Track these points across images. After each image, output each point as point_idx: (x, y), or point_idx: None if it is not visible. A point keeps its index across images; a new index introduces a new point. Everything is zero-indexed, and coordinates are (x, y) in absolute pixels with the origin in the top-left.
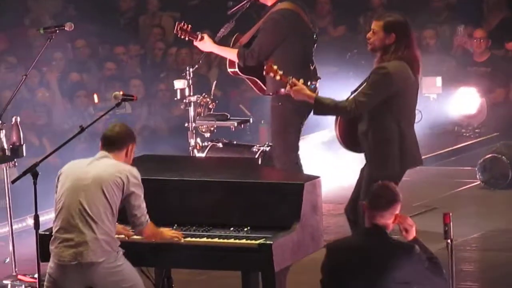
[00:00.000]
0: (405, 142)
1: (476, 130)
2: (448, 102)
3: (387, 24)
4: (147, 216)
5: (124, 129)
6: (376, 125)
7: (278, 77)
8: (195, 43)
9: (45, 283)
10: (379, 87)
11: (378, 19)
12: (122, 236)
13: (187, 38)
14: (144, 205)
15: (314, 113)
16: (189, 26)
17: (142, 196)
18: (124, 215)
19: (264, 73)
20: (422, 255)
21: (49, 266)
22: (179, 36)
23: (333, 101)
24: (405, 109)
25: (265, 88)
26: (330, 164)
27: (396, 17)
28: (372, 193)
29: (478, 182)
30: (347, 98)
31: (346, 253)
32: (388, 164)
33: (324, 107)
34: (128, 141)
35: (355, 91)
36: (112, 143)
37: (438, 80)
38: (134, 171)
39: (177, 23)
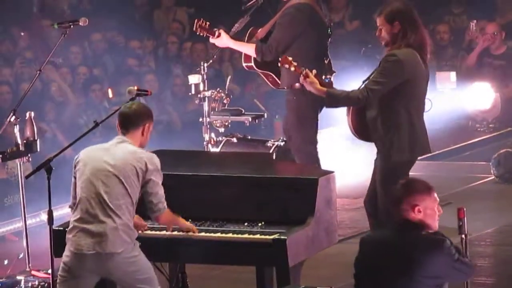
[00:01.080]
0: (414, 129)
1: (490, 125)
2: (463, 96)
3: (387, 15)
4: (165, 203)
5: (142, 106)
6: (386, 111)
7: (292, 68)
8: (212, 39)
9: (59, 272)
10: (390, 74)
11: (379, 14)
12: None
13: (205, 35)
14: (162, 192)
15: (327, 106)
16: (207, 23)
17: (161, 183)
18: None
19: (279, 64)
20: (452, 248)
21: (65, 255)
22: (198, 33)
23: (344, 91)
24: (414, 97)
25: (279, 82)
26: (345, 159)
27: (395, 5)
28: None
29: (492, 177)
30: (359, 88)
31: (379, 247)
32: (398, 151)
33: (336, 98)
34: (145, 119)
35: (366, 80)
36: (129, 121)
37: (453, 75)
38: (154, 158)
39: (196, 20)
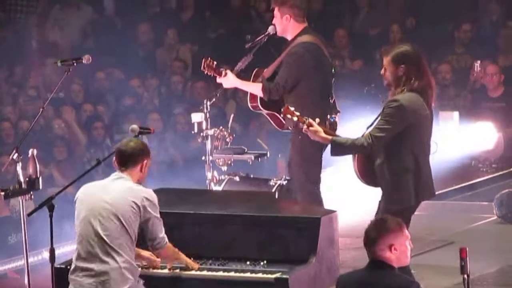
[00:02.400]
0: (420, 173)
1: (493, 165)
2: (465, 136)
3: (395, 57)
4: (166, 238)
5: (139, 144)
6: (392, 157)
7: (295, 118)
8: (219, 79)
9: None
10: (394, 120)
11: (386, 54)
12: (145, 263)
13: (212, 74)
14: (162, 227)
15: (332, 154)
16: (214, 62)
17: (159, 218)
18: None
19: (281, 115)
20: None
21: None
22: (205, 72)
23: (349, 139)
24: (420, 141)
25: (284, 123)
26: (347, 198)
27: (404, 48)
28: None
29: (495, 217)
30: (363, 134)
31: (354, 286)
32: (403, 196)
33: (341, 146)
34: (143, 156)
35: (370, 126)
36: (127, 158)
37: (455, 115)
38: (150, 193)
39: (203, 59)
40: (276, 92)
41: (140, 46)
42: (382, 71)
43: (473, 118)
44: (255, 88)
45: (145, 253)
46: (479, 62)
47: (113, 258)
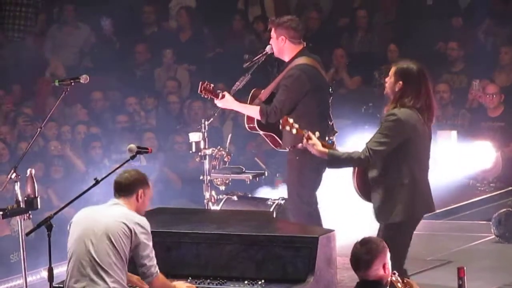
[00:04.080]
0: (418, 188)
1: (491, 184)
2: (463, 156)
3: (397, 71)
4: (157, 267)
5: (134, 174)
6: (389, 171)
7: (294, 130)
8: (216, 102)
9: None
10: (392, 134)
11: (395, 64)
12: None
13: (209, 97)
14: (153, 255)
15: (328, 167)
16: (212, 85)
17: (151, 246)
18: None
19: (280, 127)
20: None
21: None
22: (202, 95)
23: (345, 152)
24: (417, 156)
25: (281, 143)
26: (345, 217)
27: (408, 65)
28: (351, 255)
29: (493, 236)
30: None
31: None
32: (401, 209)
33: (337, 160)
34: (138, 186)
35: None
36: (122, 188)
37: (453, 134)
38: (143, 220)
39: (200, 82)
40: (274, 115)
41: (138, 66)
42: (386, 78)
43: (471, 137)
44: (252, 111)
45: (133, 277)
46: (477, 81)
47: (102, 278)
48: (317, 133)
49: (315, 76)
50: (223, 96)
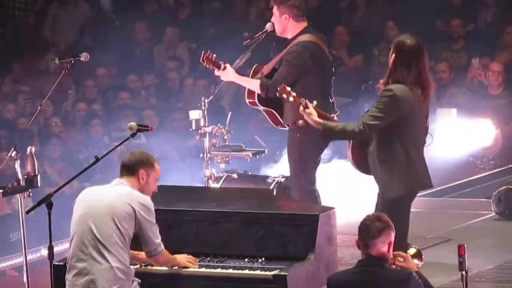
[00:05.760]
0: (412, 164)
1: (491, 162)
2: (463, 133)
3: (393, 44)
4: (162, 245)
5: (137, 155)
6: (382, 147)
7: (291, 99)
8: (217, 72)
9: None
10: (387, 109)
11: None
12: (138, 266)
13: (211, 67)
14: (157, 233)
15: (323, 138)
16: (214, 55)
17: (155, 225)
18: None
19: (277, 94)
20: (420, 281)
21: None
22: (204, 65)
23: (340, 124)
24: (412, 132)
25: (281, 121)
26: (346, 193)
27: (402, 38)
28: (361, 225)
29: (493, 214)
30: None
31: (345, 286)
32: (395, 185)
33: (331, 131)
34: (140, 166)
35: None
36: (126, 168)
37: (453, 112)
38: (147, 200)
39: (203, 52)
40: (274, 89)
41: (138, 44)
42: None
43: (471, 115)
44: (253, 84)
45: (142, 255)
46: (477, 59)
47: (105, 258)
48: (315, 102)
49: (318, 53)
50: (224, 68)
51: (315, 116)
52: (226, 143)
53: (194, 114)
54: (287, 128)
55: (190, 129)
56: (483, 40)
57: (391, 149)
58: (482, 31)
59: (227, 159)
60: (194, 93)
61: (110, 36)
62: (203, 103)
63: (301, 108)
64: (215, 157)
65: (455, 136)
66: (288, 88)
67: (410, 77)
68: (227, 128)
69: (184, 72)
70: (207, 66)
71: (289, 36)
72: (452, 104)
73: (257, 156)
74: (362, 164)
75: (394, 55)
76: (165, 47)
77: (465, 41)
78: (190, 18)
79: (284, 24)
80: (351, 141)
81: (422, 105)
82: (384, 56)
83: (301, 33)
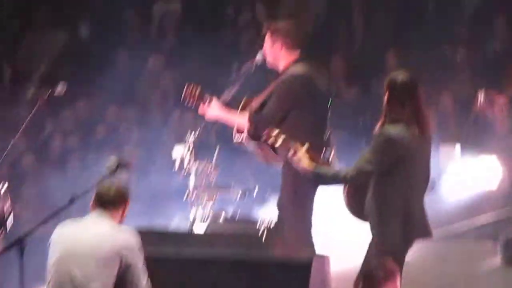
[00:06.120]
0: (411, 213)
1: (498, 202)
2: (467, 172)
3: (386, 82)
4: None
5: (119, 188)
6: (379, 192)
7: (279, 143)
8: (202, 108)
9: None
10: (381, 153)
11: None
12: None
13: (195, 103)
14: (143, 275)
15: (315, 184)
16: (198, 89)
17: (142, 265)
18: None
19: (264, 138)
20: None
21: None
22: (186, 101)
23: (331, 170)
24: (411, 176)
25: (275, 157)
26: (339, 241)
27: (396, 74)
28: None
29: (499, 258)
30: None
31: None
32: (391, 235)
33: (322, 178)
34: (122, 201)
35: None
36: (108, 202)
37: (457, 147)
38: (133, 238)
39: (186, 86)
40: (263, 125)
41: (118, 74)
42: None
43: (476, 151)
44: (241, 120)
45: None
46: (483, 90)
47: None
48: (306, 145)
49: (311, 86)
50: (210, 103)
51: (304, 162)
52: (213, 181)
53: (179, 150)
54: (281, 165)
55: (174, 166)
56: (491, 70)
57: (388, 195)
58: (489, 60)
59: (213, 198)
60: (179, 127)
61: (89, 65)
62: (189, 138)
63: (290, 153)
64: (201, 196)
65: (458, 174)
66: (276, 131)
67: (405, 114)
68: (214, 164)
69: (168, 104)
70: (191, 102)
71: (280, 67)
72: (456, 139)
73: (247, 195)
74: (357, 210)
75: (387, 93)
76: (148, 77)
77: (471, 71)
78: (176, 47)
79: (277, 54)
80: (347, 187)
81: (422, 144)
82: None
83: (292, 64)
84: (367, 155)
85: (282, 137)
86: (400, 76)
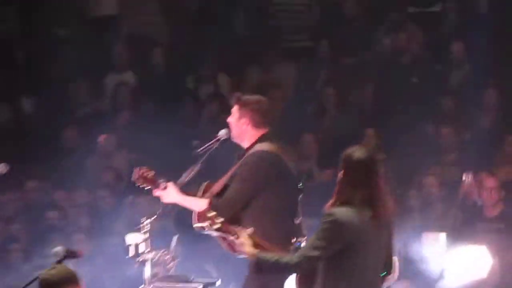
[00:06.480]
0: None
1: None
2: (454, 263)
3: (341, 159)
4: None
5: (64, 271)
6: (328, 278)
7: (215, 227)
8: (157, 193)
9: None
10: (328, 237)
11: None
12: None
13: (147, 187)
14: None
15: (257, 272)
16: (152, 173)
17: None
18: None
19: (196, 220)
20: None
21: None
22: (138, 185)
23: (275, 256)
24: (360, 266)
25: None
26: None
27: (352, 151)
28: None
29: None
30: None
31: None
32: None
33: (264, 264)
34: (68, 285)
35: None
36: (52, 285)
37: (442, 237)
38: None
39: (137, 169)
40: (225, 210)
41: (67, 153)
42: None
43: (463, 240)
44: (200, 205)
45: None
46: (470, 173)
47: None
48: (250, 229)
49: (278, 166)
50: (165, 187)
51: (247, 247)
52: (171, 273)
53: (133, 238)
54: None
55: (128, 256)
56: (480, 151)
57: (338, 282)
58: (478, 141)
59: None
60: (133, 213)
61: (35, 143)
62: (144, 225)
63: (232, 238)
64: None
65: (443, 265)
66: (212, 213)
67: (358, 196)
68: (172, 254)
69: (122, 187)
70: (143, 186)
71: (245, 145)
72: (441, 227)
73: None
74: None
75: (342, 172)
76: (100, 157)
77: (458, 152)
78: (130, 124)
79: (243, 130)
80: (297, 276)
81: (377, 229)
82: None
83: (258, 141)
84: (312, 239)
85: (220, 219)
86: (357, 152)
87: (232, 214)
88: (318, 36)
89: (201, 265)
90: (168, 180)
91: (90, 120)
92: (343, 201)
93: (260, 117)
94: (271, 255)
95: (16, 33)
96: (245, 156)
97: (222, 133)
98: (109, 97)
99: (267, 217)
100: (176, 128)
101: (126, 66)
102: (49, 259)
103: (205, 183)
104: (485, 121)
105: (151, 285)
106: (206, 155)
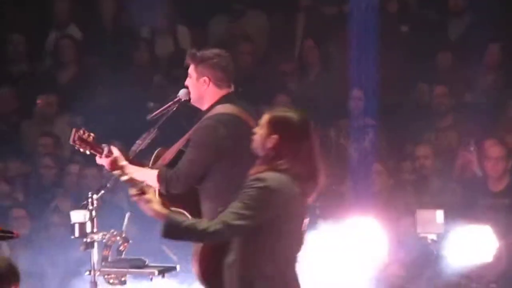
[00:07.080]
0: (283, 283)
1: (492, 285)
2: (453, 245)
3: (271, 120)
4: None
5: (7, 265)
6: (246, 256)
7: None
8: (99, 160)
9: None
10: (257, 206)
11: (269, 111)
12: None
13: (88, 152)
14: None
15: (162, 235)
16: (91, 134)
17: None
18: None
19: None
20: None
21: None
22: (76, 148)
23: (188, 220)
24: (287, 240)
25: None
26: None
27: (288, 113)
28: None
29: None
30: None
31: None
32: None
33: (176, 227)
34: (12, 281)
35: None
36: None
37: (439, 214)
38: None
39: (74, 129)
40: (176, 182)
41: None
42: (257, 129)
43: (464, 219)
44: (149, 177)
45: None
46: (472, 141)
47: None
48: (157, 188)
49: (239, 130)
50: (110, 153)
51: (155, 205)
52: (123, 256)
53: (78, 216)
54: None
55: (72, 237)
56: (480, 115)
57: (256, 262)
58: (478, 103)
59: (123, 279)
60: (78, 187)
61: None
62: (90, 200)
63: (134, 192)
64: (106, 276)
65: (440, 247)
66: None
67: (298, 167)
68: (124, 235)
69: (64, 156)
70: (82, 149)
71: (204, 107)
72: (437, 203)
73: (165, 274)
74: (214, 281)
75: (275, 136)
76: (38, 122)
77: (454, 117)
78: (74, 82)
79: (202, 90)
80: (201, 248)
81: (301, 209)
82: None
83: (218, 102)
84: (237, 206)
85: (125, 163)
86: (296, 115)
87: (187, 187)
88: None
89: (158, 247)
90: (113, 145)
91: (28, 78)
92: (276, 169)
93: (221, 73)
94: (182, 220)
95: None
96: (202, 119)
97: (182, 93)
98: (51, 53)
99: (229, 189)
100: (127, 87)
101: (69, 19)
102: None
103: (159, 149)
104: (486, 81)
105: (99, 270)
106: (163, 119)
